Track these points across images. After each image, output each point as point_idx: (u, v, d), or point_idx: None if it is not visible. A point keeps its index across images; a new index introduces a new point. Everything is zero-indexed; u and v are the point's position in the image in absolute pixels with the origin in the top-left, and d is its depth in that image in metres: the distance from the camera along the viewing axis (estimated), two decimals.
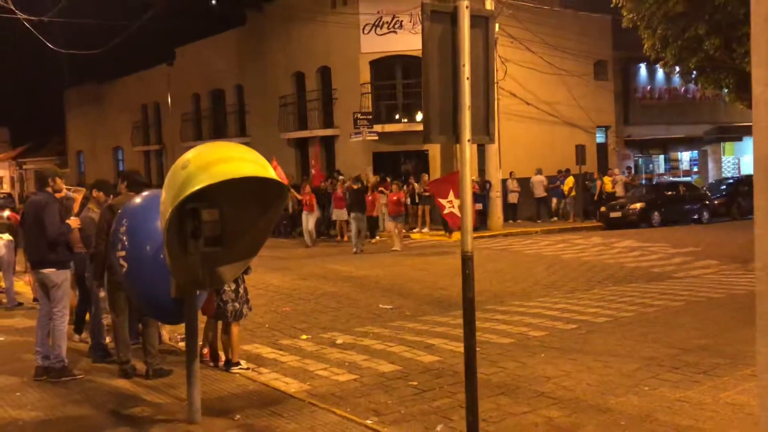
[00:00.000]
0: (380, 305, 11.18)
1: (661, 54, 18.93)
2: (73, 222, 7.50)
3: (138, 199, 6.62)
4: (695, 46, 17.88)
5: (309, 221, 20.73)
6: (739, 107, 21.64)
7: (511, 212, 25.41)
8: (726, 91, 20.23)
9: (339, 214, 21.69)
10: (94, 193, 8.29)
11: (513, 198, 25.46)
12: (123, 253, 6.23)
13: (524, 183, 25.68)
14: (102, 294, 7.73)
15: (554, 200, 26.16)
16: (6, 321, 10.45)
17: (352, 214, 19.30)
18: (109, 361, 7.80)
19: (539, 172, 26.00)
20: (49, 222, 7.05)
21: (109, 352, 7.95)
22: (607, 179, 26.61)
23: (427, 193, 22.46)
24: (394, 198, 19.20)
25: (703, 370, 7.07)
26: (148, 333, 7.35)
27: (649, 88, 31.28)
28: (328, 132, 27.71)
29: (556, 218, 25.84)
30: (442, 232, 21.28)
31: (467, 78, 4.63)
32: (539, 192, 25.99)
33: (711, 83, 19.57)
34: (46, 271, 7.17)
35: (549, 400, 6.38)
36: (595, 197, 25.89)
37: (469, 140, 4.67)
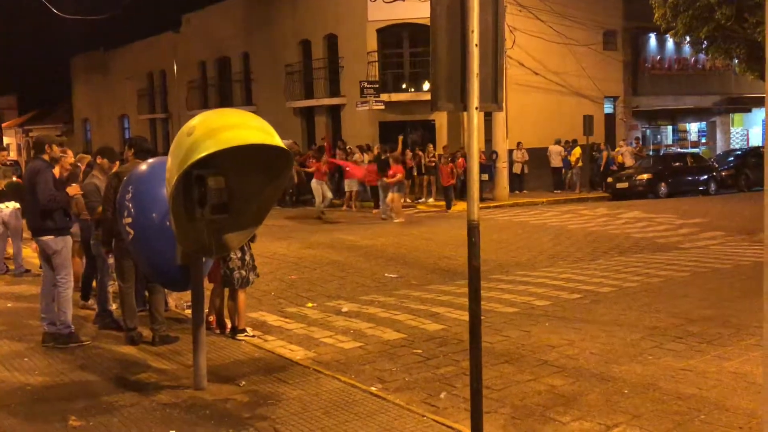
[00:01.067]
0: (385, 274, 11.21)
1: (671, 23, 18.75)
2: (72, 189, 7.46)
3: (144, 166, 6.60)
4: (706, 16, 17.69)
5: (324, 190, 20.61)
6: (749, 78, 21.46)
7: (516, 182, 25.37)
8: (736, 61, 20.07)
9: (350, 184, 21.68)
10: (98, 160, 8.28)
11: (517, 168, 25.39)
12: (129, 220, 6.24)
13: (531, 153, 25.58)
14: (110, 260, 7.77)
15: (562, 171, 26.11)
16: (14, 288, 10.52)
17: (380, 182, 19.76)
18: (115, 328, 7.86)
19: (558, 142, 25.93)
20: (41, 188, 6.97)
21: (115, 319, 8.00)
22: (616, 151, 26.57)
23: (432, 164, 22.46)
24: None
25: (708, 340, 7.10)
26: (154, 300, 7.39)
27: (658, 58, 30.95)
28: (335, 101, 27.58)
29: (559, 191, 25.77)
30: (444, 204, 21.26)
31: (476, 45, 4.58)
32: (556, 162, 25.91)
33: (721, 53, 19.40)
34: (45, 238, 7.15)
35: (553, 368, 6.41)
36: (601, 168, 25.79)
37: (476, 108, 4.62)
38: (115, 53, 44.29)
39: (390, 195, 18.90)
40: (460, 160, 20.70)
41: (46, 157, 7.26)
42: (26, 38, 49.61)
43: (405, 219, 18.55)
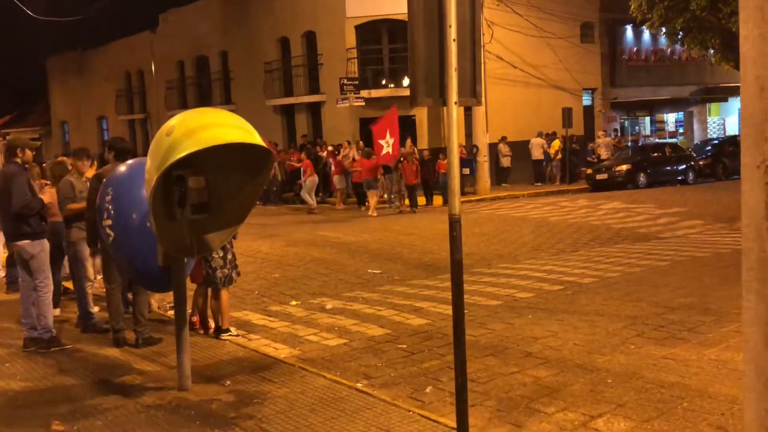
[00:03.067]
0: (369, 270, 11.22)
1: (647, 15, 18.85)
2: (46, 197, 7.40)
3: (123, 168, 6.56)
4: (681, 7, 17.82)
5: (310, 186, 20.97)
6: (724, 68, 21.62)
7: (503, 176, 25.51)
8: (712, 51, 20.22)
9: (339, 180, 21.73)
10: (70, 159, 8.25)
11: (506, 162, 25.49)
12: (109, 222, 6.20)
13: (512, 146, 25.68)
14: (97, 260, 7.72)
15: (543, 163, 26.24)
16: None
17: (387, 176, 20.22)
18: (99, 331, 7.79)
19: (540, 134, 26.04)
20: (15, 193, 6.89)
21: (97, 322, 7.93)
22: (595, 143, 26.83)
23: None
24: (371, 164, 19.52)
25: (689, 328, 7.17)
26: (138, 301, 7.35)
27: (635, 49, 31.13)
28: (314, 98, 27.51)
29: (541, 183, 25.91)
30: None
31: (454, 39, 4.59)
32: (537, 154, 26.00)
33: (697, 44, 19.52)
34: (21, 243, 7.07)
35: (537, 360, 6.45)
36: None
37: (456, 102, 4.63)
38: (91, 54, 43.87)
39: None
40: (444, 162, 20.38)
41: (18, 160, 7.17)
42: (1, 40, 48.97)
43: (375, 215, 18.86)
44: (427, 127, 25.15)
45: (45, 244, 7.26)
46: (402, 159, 20.01)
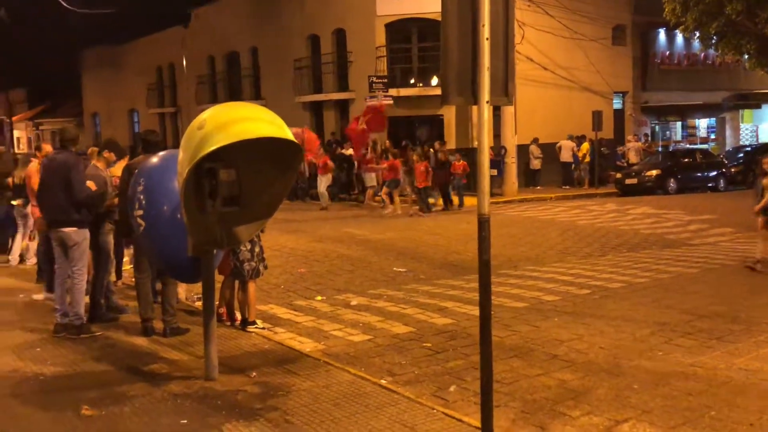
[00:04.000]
0: (394, 268, 11.23)
1: (681, 19, 18.69)
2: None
3: (155, 159, 6.64)
4: (716, 11, 17.64)
5: (324, 183, 21.07)
6: (759, 74, 21.38)
7: (533, 178, 25.39)
8: (747, 56, 19.97)
9: (369, 179, 21.75)
10: (105, 153, 8.35)
11: (537, 164, 25.33)
12: (141, 212, 6.28)
13: (542, 149, 25.54)
14: (130, 250, 7.82)
15: (572, 166, 26.06)
16: (25, 281, 10.58)
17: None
18: (106, 320, 7.87)
19: (570, 137, 25.87)
20: (77, 181, 7.15)
21: (103, 312, 8.02)
22: (625, 147, 26.62)
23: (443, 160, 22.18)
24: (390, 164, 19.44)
25: (717, 336, 7.09)
26: (167, 292, 7.44)
27: (667, 53, 30.78)
28: (343, 95, 27.57)
29: (569, 186, 25.72)
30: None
31: (487, 38, 4.58)
32: (566, 157, 25.81)
33: (731, 49, 19.32)
34: (68, 230, 7.23)
35: (562, 363, 6.42)
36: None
37: (487, 101, 4.62)
38: (124, 48, 44.35)
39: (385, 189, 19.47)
40: (462, 162, 20.07)
41: (74, 149, 7.42)
42: (36, 32, 49.66)
43: (393, 214, 18.88)
44: (455, 127, 25.09)
45: (87, 233, 7.41)
46: (414, 159, 19.57)
